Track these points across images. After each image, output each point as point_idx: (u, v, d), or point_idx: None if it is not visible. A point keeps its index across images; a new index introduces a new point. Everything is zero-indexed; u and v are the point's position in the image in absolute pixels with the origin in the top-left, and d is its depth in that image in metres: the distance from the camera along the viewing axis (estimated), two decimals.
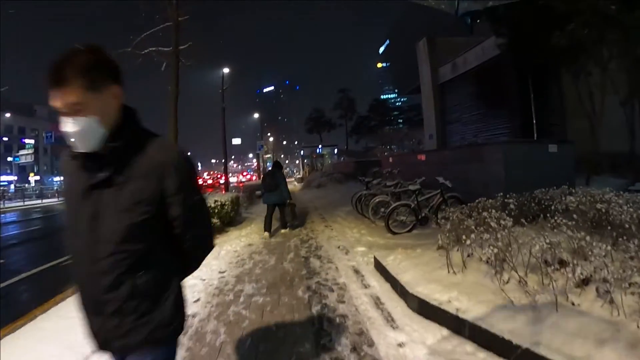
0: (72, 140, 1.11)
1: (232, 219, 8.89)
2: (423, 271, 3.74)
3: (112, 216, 1.14)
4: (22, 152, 43.54)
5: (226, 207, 8.15)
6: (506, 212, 4.16)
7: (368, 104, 50.55)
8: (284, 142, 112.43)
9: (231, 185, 23.25)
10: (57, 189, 35.61)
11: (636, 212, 3.35)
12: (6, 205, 22.65)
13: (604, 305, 2.61)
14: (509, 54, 10.32)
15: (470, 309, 2.90)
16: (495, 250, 3.05)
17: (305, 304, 3.71)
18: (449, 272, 3.51)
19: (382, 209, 7.65)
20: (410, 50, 23.53)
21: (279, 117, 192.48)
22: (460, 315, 2.88)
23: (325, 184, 20.94)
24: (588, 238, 2.98)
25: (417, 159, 10.28)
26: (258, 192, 15.49)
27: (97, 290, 1.17)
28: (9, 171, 50.61)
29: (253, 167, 70.33)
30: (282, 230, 7.99)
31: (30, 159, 42.59)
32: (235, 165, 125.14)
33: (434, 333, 2.94)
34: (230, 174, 53.24)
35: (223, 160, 18.43)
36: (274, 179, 7.81)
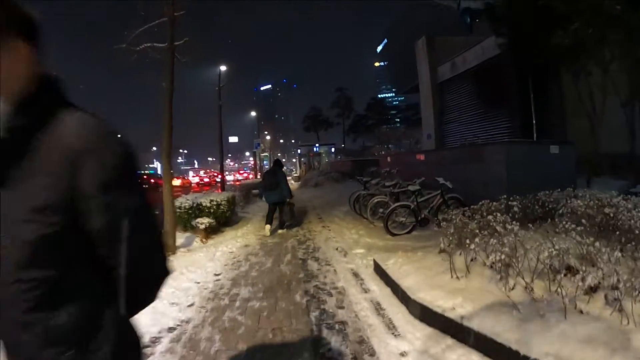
0: None
1: (228, 219, 8.76)
2: (425, 276, 3.63)
3: (8, 229, 0.75)
4: None
5: (222, 207, 8.02)
6: (510, 215, 4.06)
7: (365, 103, 50.48)
8: (281, 141, 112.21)
9: (228, 183, 23.06)
10: None
11: None
12: None
13: (613, 313, 2.52)
14: (509, 54, 10.22)
15: (475, 317, 2.79)
16: (503, 256, 2.93)
17: (303, 309, 3.59)
18: (452, 277, 3.40)
19: (381, 210, 7.54)
20: (408, 50, 23.48)
21: (276, 116, 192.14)
22: (465, 323, 2.77)
23: (322, 183, 20.79)
24: (597, 244, 2.88)
25: (416, 159, 10.18)
26: (255, 191, 15.38)
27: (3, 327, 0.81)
28: None
29: (250, 165, 70.20)
30: (280, 231, 7.91)
31: None
32: (232, 163, 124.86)
33: (438, 341, 2.83)
34: (226, 172, 53.14)
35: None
36: (274, 177, 7.88)
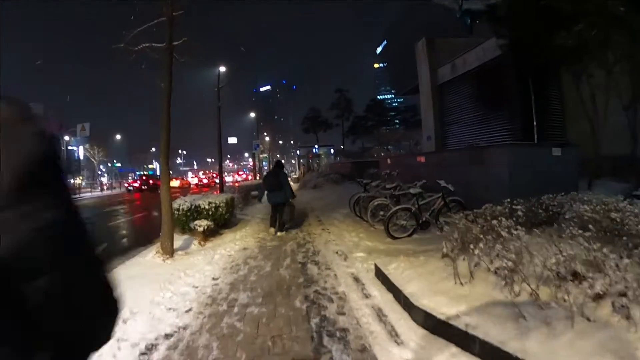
0: None
1: (226, 221, 8.67)
2: (428, 281, 3.55)
3: None
4: None
5: (220, 209, 7.93)
6: (514, 219, 3.99)
7: (365, 104, 50.40)
8: (280, 142, 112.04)
9: (227, 185, 22.98)
10: None
11: None
12: None
13: (620, 321, 2.44)
14: (510, 55, 10.15)
15: (480, 324, 2.72)
16: (510, 263, 2.85)
17: (303, 315, 3.51)
18: (455, 283, 3.33)
19: (381, 212, 7.47)
20: (407, 51, 23.40)
21: (276, 117, 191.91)
22: (470, 331, 2.69)
23: (321, 184, 20.70)
24: (605, 250, 2.81)
25: (416, 161, 10.11)
26: (254, 193, 15.30)
27: None
28: None
29: (249, 166, 70.08)
30: (279, 233, 7.83)
31: None
32: (231, 164, 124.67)
33: (442, 350, 2.75)
34: (225, 174, 53.04)
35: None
36: (277, 178, 7.95)
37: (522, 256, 2.98)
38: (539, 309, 2.71)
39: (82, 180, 52.23)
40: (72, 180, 48.61)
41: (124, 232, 10.42)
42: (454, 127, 15.31)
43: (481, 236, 3.43)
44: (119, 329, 3.33)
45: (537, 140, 10.51)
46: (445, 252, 3.87)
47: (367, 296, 3.95)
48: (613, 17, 6.65)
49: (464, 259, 3.50)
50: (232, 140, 62.99)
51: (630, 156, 9.09)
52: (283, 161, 10.77)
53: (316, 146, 47.73)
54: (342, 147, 51.81)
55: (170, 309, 3.82)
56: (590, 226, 3.29)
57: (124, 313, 3.68)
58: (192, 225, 7.18)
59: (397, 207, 6.74)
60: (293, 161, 74.37)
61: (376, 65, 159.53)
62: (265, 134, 59.94)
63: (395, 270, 4.11)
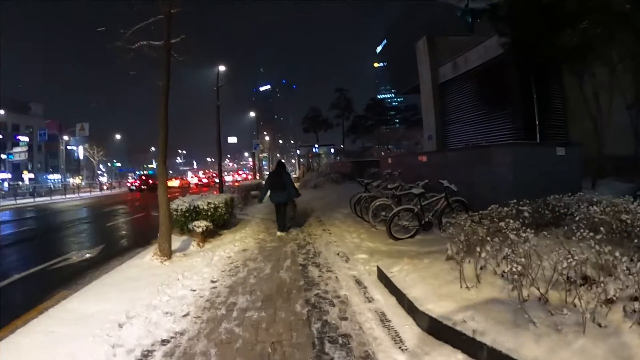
0: None
1: (226, 222, 8.57)
2: (433, 285, 3.44)
3: None
4: (15, 149, 42.96)
5: (220, 209, 7.83)
6: (520, 220, 3.89)
7: (365, 104, 50.29)
8: (280, 141, 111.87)
9: (226, 184, 22.86)
10: (50, 188, 35.10)
11: None
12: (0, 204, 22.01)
13: (633, 327, 2.35)
14: (512, 53, 10.04)
15: (488, 330, 2.62)
16: (519, 267, 2.74)
17: (304, 320, 3.39)
18: (461, 286, 3.22)
19: (383, 213, 7.37)
20: (407, 50, 23.29)
21: (275, 116, 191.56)
22: (478, 337, 2.59)
23: (321, 184, 20.60)
24: (617, 253, 2.70)
25: (418, 160, 10.00)
26: (254, 193, 15.19)
27: None
28: (3, 169, 49.93)
29: (249, 166, 69.98)
30: (278, 233, 7.76)
31: (24, 156, 42.13)
32: (231, 164, 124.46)
33: (448, 357, 2.65)
34: (225, 173, 52.92)
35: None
36: (280, 178, 8.06)
37: (530, 259, 2.88)
38: (548, 314, 2.61)
39: (82, 180, 52.11)
40: (71, 180, 48.55)
41: (123, 232, 10.32)
42: (455, 126, 15.20)
43: (488, 238, 3.33)
44: (114, 334, 3.24)
45: (539, 140, 10.40)
46: (449, 255, 3.76)
47: (369, 300, 3.84)
48: (618, 14, 6.55)
49: (469, 262, 3.40)
50: (232, 139, 62.91)
51: (634, 156, 9.00)
52: (283, 160, 10.71)
53: (316, 145, 47.60)
54: (342, 146, 51.67)
55: (167, 313, 3.71)
56: (602, 228, 3.18)
57: (120, 317, 3.59)
58: (190, 226, 7.07)
59: (400, 208, 6.63)
60: (293, 160, 74.25)
61: (376, 65, 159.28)
62: (265, 133, 59.86)
63: (399, 273, 4.00)
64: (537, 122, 10.69)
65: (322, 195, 15.38)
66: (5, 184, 42.89)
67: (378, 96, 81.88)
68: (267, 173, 48.72)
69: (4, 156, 47.25)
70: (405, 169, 9.99)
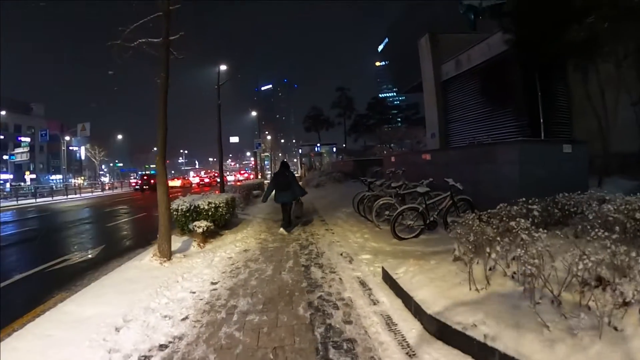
0: None
1: (227, 222, 8.46)
2: (440, 287, 3.32)
3: None
4: (17, 150, 42.96)
5: (221, 209, 7.72)
6: (530, 219, 3.77)
7: (366, 103, 50.21)
8: (282, 141, 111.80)
9: (228, 184, 22.77)
10: (52, 188, 35.09)
11: None
12: (1, 205, 21.98)
13: None
14: (516, 50, 9.90)
15: (500, 335, 2.50)
16: (534, 269, 2.62)
17: (307, 324, 3.27)
18: (470, 288, 3.10)
19: (387, 212, 7.26)
20: (409, 49, 23.14)
21: (277, 116, 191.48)
22: (489, 343, 2.47)
23: (324, 183, 20.49)
24: (634, 254, 2.58)
25: (421, 159, 9.87)
26: (255, 192, 15.10)
27: None
28: (4, 169, 49.98)
29: (251, 165, 69.88)
30: (281, 230, 7.83)
31: (25, 157, 42.08)
32: (232, 163, 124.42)
33: None
34: (227, 173, 52.86)
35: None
36: (285, 178, 8.15)
37: (543, 260, 2.75)
38: (562, 317, 2.49)
39: (85, 180, 52.15)
40: (73, 180, 48.57)
41: (123, 233, 10.22)
42: (458, 124, 15.05)
43: (498, 238, 3.20)
44: (111, 339, 3.13)
45: (544, 137, 10.26)
46: (457, 255, 3.64)
47: (374, 302, 3.71)
48: (626, 8, 6.41)
49: (477, 263, 3.27)
50: (234, 139, 62.66)
51: (638, 153, 8.86)
52: (284, 160, 10.64)
53: (318, 145, 47.56)
54: (344, 145, 51.60)
55: (165, 316, 3.60)
56: (617, 228, 3.06)
57: (117, 320, 3.48)
58: (191, 226, 6.97)
59: (404, 207, 6.51)
60: (295, 160, 74.16)
61: (378, 63, 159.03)
62: (266, 132, 59.69)
63: (405, 275, 3.88)
64: (541, 120, 10.55)
65: (324, 195, 15.27)
66: (7, 185, 42.90)
67: (380, 95, 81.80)
68: (269, 172, 48.72)
69: (5, 157, 47.31)
70: (409, 167, 9.85)
